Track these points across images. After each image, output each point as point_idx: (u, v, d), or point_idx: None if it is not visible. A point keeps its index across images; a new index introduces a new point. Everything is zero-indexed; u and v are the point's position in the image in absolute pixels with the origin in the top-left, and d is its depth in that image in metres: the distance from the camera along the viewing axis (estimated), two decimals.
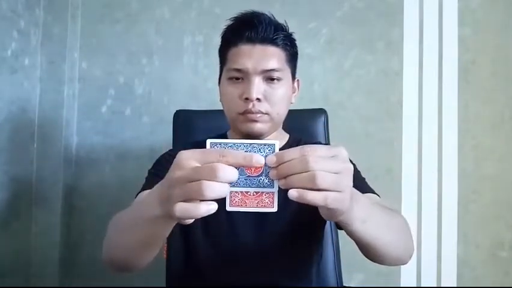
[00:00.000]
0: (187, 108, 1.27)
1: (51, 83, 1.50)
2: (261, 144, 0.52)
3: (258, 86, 0.84)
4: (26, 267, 1.44)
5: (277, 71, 0.86)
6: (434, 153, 1.45)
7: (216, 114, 1.09)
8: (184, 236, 0.93)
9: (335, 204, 0.49)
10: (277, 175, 0.50)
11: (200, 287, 0.90)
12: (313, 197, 0.48)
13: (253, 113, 0.85)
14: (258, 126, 0.86)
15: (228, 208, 0.53)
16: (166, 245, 1.11)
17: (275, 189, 0.52)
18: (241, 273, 0.87)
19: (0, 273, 1.31)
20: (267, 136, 0.90)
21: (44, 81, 1.50)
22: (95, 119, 1.54)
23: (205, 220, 0.88)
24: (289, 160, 0.49)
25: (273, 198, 0.53)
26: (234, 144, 0.52)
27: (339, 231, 1.10)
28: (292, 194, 0.48)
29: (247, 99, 0.84)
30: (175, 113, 1.23)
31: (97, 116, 1.54)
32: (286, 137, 0.98)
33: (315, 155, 0.48)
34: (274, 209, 0.53)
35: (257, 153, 0.51)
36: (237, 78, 0.87)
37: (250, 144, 0.52)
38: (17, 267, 1.40)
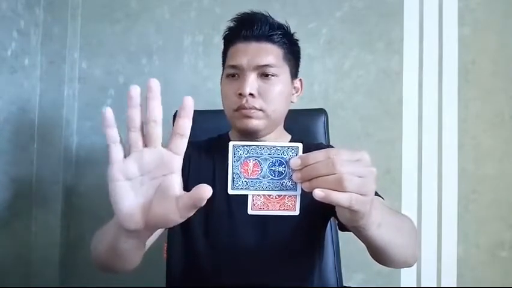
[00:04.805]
0: None
1: (51, 83, 1.50)
2: (284, 147, 0.52)
3: (251, 81, 0.85)
4: (26, 267, 1.44)
5: (272, 66, 0.86)
6: (434, 153, 1.45)
7: (216, 114, 1.08)
8: (184, 236, 0.93)
9: (358, 206, 0.50)
10: (301, 178, 0.50)
11: (200, 287, 0.90)
12: (339, 197, 0.48)
13: (246, 108, 0.85)
14: (253, 123, 0.86)
15: (250, 212, 0.53)
16: (166, 244, 1.11)
17: (298, 192, 0.52)
18: (241, 274, 0.87)
19: (0, 273, 1.31)
20: (265, 134, 0.90)
21: (44, 81, 1.50)
22: (95, 119, 1.54)
23: (206, 220, 0.89)
24: (314, 163, 0.49)
25: (295, 202, 0.53)
26: (258, 146, 0.52)
27: (339, 231, 1.10)
28: (318, 193, 0.48)
29: (241, 94, 0.85)
30: (175, 113, 1.23)
31: (97, 116, 1.54)
32: (288, 137, 0.98)
33: (340, 158, 0.48)
34: (296, 212, 0.53)
35: (281, 156, 0.51)
36: (233, 76, 0.88)
37: (273, 146, 0.52)
38: (17, 267, 1.40)
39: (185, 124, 0.50)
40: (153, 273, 1.16)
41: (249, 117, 0.86)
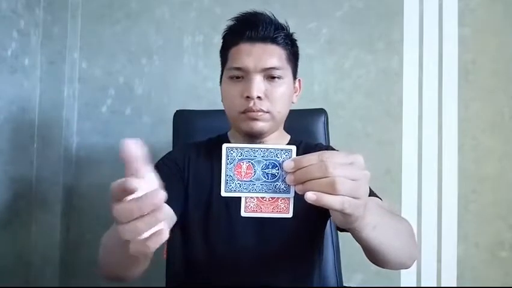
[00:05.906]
0: (187, 108, 1.27)
1: (51, 83, 1.50)
2: (277, 149, 0.52)
3: (258, 84, 0.85)
4: (26, 267, 1.44)
5: (277, 69, 0.86)
6: (434, 153, 1.45)
7: (216, 114, 1.09)
8: (184, 237, 0.93)
9: (351, 210, 0.49)
10: (294, 180, 0.50)
11: (200, 287, 0.90)
12: (331, 201, 0.48)
13: (254, 111, 0.85)
14: (259, 125, 0.86)
15: (243, 214, 0.53)
16: (166, 245, 1.11)
17: (291, 195, 0.52)
18: (241, 274, 0.87)
19: (0, 273, 1.31)
20: (268, 135, 0.90)
21: (44, 81, 1.50)
22: (95, 119, 1.54)
23: (205, 221, 0.89)
24: (307, 166, 0.49)
25: (288, 204, 0.53)
26: (251, 149, 0.52)
27: (338, 232, 1.10)
28: (310, 196, 0.48)
29: (248, 97, 0.85)
30: (175, 113, 1.23)
31: (97, 116, 1.54)
32: (287, 138, 0.98)
33: (333, 161, 0.48)
34: (290, 215, 0.53)
35: (274, 158, 0.52)
36: (238, 77, 0.87)
37: (267, 149, 0.52)
38: (17, 267, 1.40)
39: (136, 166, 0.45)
40: (153, 273, 1.16)
41: (256, 119, 0.86)
